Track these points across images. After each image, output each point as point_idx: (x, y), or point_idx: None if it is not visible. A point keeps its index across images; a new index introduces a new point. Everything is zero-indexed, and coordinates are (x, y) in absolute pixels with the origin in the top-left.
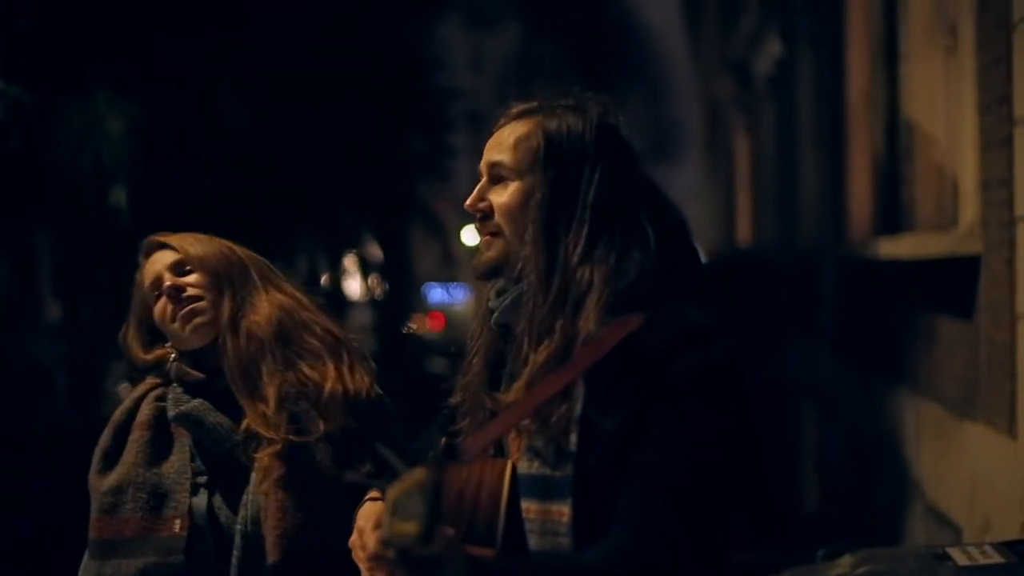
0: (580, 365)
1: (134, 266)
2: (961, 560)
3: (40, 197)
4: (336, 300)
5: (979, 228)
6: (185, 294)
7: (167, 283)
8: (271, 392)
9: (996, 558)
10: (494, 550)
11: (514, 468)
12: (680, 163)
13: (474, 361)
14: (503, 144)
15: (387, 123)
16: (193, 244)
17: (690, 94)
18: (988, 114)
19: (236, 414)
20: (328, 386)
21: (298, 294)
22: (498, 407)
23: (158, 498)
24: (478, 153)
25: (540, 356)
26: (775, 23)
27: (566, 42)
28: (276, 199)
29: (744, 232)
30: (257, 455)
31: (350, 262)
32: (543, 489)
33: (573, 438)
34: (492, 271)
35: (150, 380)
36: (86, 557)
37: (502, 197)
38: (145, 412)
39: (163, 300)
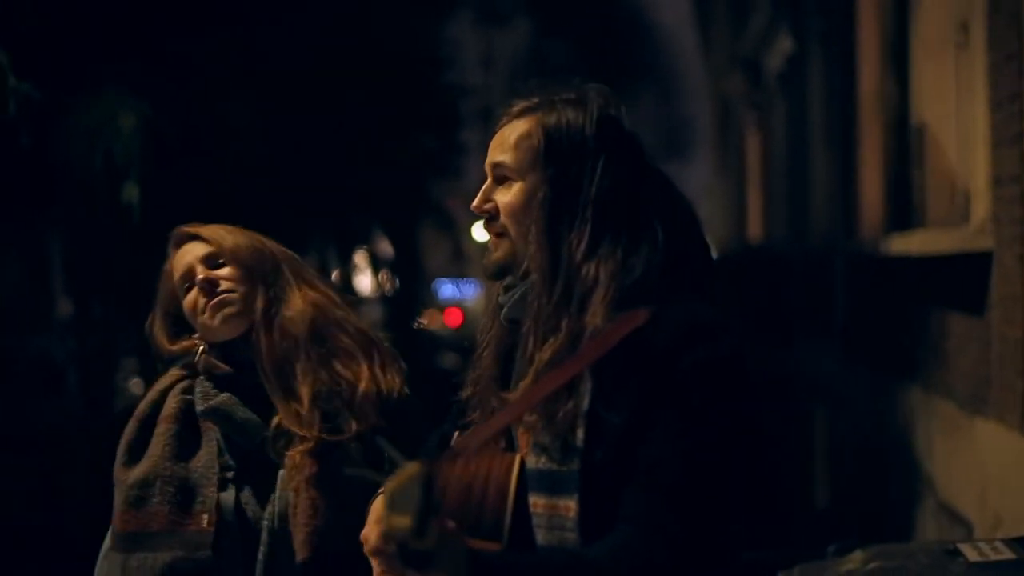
0: (584, 359)
1: (145, 263)
2: (972, 556)
3: (51, 194)
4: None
5: (991, 224)
6: (219, 288)
7: (200, 275)
8: (305, 391)
9: (1007, 554)
10: (500, 544)
11: (522, 463)
12: (691, 160)
13: (484, 355)
14: (505, 144)
15: (398, 120)
16: (226, 237)
17: (701, 91)
18: (999, 111)
19: (264, 409)
20: (362, 386)
21: (330, 292)
22: (504, 405)
23: (186, 492)
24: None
25: (545, 354)
26: (786, 20)
27: (577, 39)
28: (286, 196)
29: (755, 229)
30: (288, 452)
31: (360, 258)
32: (550, 484)
33: (580, 433)
34: (500, 272)
35: (174, 372)
36: (107, 548)
37: (506, 197)
38: (172, 405)
39: (194, 292)
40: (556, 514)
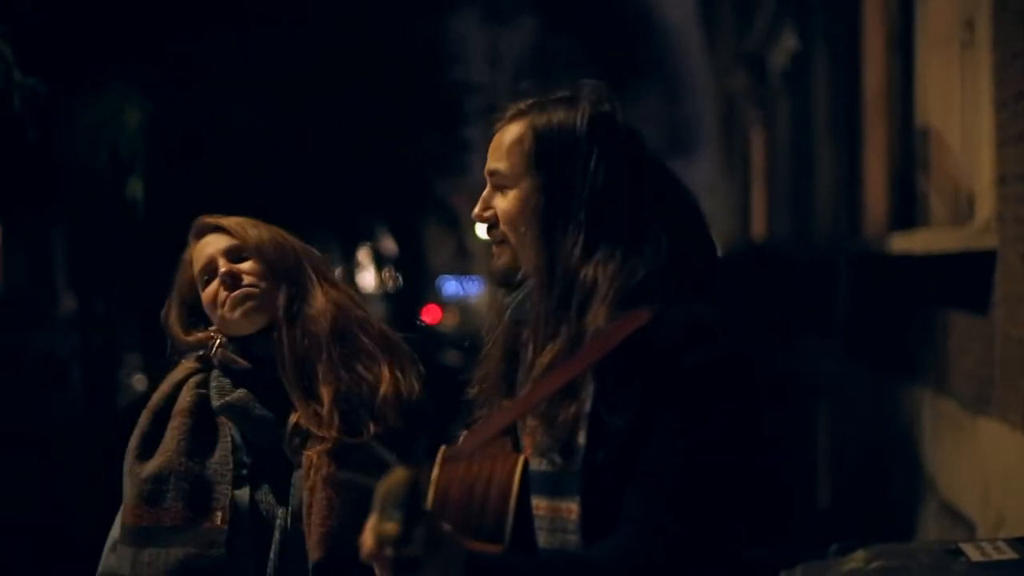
0: (584, 360)
1: (149, 259)
2: (974, 556)
3: (55, 190)
4: None
5: (995, 223)
6: (242, 282)
7: (223, 269)
8: (326, 391)
9: (1010, 554)
10: (502, 546)
11: (526, 464)
12: (695, 158)
13: (491, 353)
14: (499, 150)
15: (403, 117)
16: (250, 230)
17: (705, 89)
18: (1004, 110)
19: (280, 407)
20: (383, 389)
21: (350, 291)
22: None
23: (200, 489)
24: None
25: (545, 359)
26: (791, 18)
27: (582, 37)
28: (290, 192)
29: (759, 227)
30: (305, 451)
31: (364, 255)
32: (552, 486)
33: (582, 435)
34: (504, 279)
35: (187, 364)
36: (116, 541)
37: (503, 204)
38: (186, 399)
39: (215, 284)
40: (558, 516)
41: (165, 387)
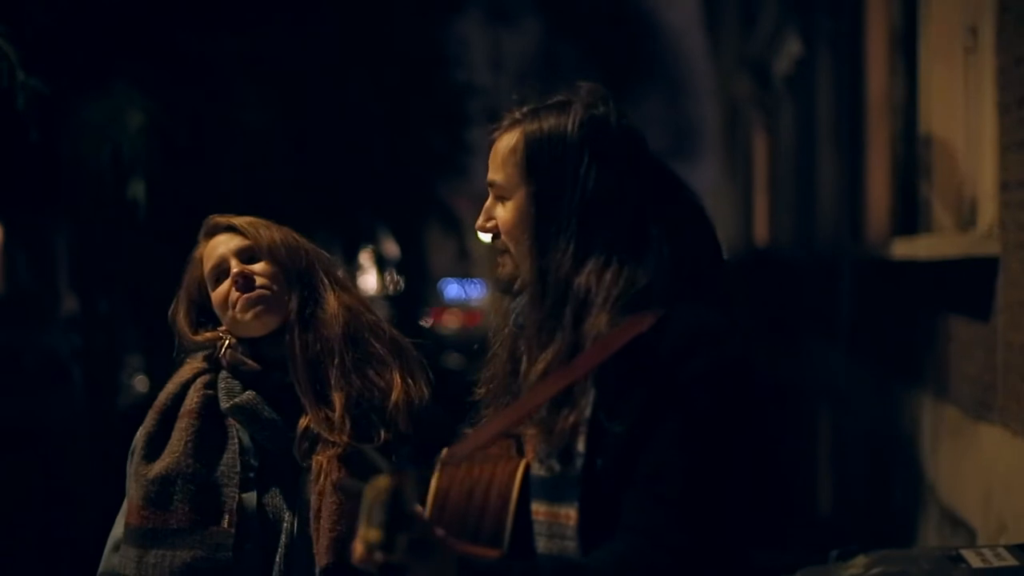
0: (582, 366)
1: (151, 260)
2: (975, 562)
3: (58, 190)
4: None
5: (998, 230)
6: (256, 284)
7: (235, 269)
8: (338, 395)
9: (1010, 560)
10: (500, 551)
11: (527, 468)
12: (698, 162)
13: (498, 352)
14: (496, 160)
15: (405, 119)
16: (263, 231)
17: (709, 93)
18: (1008, 115)
19: (289, 410)
20: (394, 395)
21: (361, 295)
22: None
23: (207, 491)
24: None
25: (538, 367)
26: (794, 22)
27: (586, 40)
28: (292, 194)
29: (761, 231)
30: (315, 456)
31: (366, 257)
32: (551, 491)
33: (581, 441)
34: (508, 287)
35: (193, 364)
36: (118, 541)
37: (502, 214)
38: (193, 399)
39: (226, 284)
40: (556, 522)
41: (171, 387)
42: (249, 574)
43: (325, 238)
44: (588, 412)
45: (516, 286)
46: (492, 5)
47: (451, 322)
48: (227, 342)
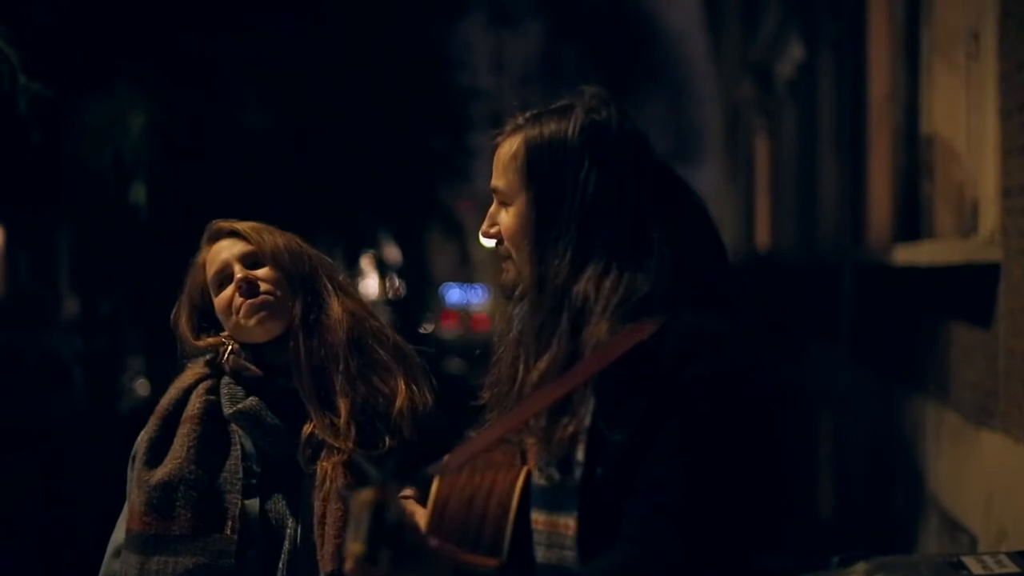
0: (581, 374)
1: (153, 263)
2: (976, 569)
3: (60, 192)
4: None
5: (999, 236)
6: (260, 290)
7: (239, 275)
8: (343, 402)
9: (1011, 567)
10: (499, 560)
11: (528, 476)
12: (700, 166)
13: (502, 357)
14: (498, 166)
15: (406, 121)
16: (267, 237)
17: (711, 97)
18: (1010, 120)
19: (291, 415)
20: (398, 401)
21: (364, 301)
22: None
23: (210, 498)
24: None
25: (533, 375)
26: (797, 26)
27: (588, 43)
28: (293, 195)
29: (763, 236)
30: (320, 462)
31: (367, 262)
32: (550, 500)
33: (581, 450)
34: (511, 293)
35: (195, 369)
36: (119, 547)
37: (505, 220)
38: (196, 405)
39: (229, 290)
40: (555, 531)
41: (173, 392)
42: None
43: (327, 243)
44: (588, 421)
45: (518, 292)
46: (494, 8)
47: (455, 326)
48: (230, 347)
